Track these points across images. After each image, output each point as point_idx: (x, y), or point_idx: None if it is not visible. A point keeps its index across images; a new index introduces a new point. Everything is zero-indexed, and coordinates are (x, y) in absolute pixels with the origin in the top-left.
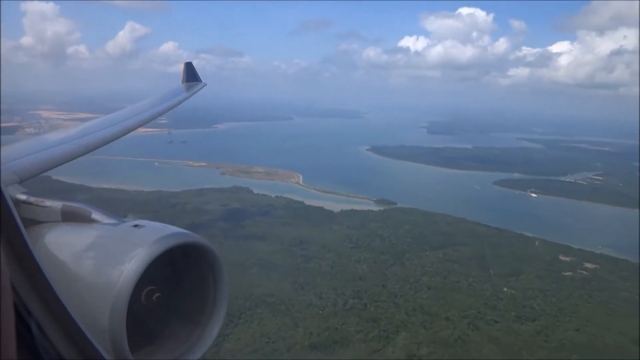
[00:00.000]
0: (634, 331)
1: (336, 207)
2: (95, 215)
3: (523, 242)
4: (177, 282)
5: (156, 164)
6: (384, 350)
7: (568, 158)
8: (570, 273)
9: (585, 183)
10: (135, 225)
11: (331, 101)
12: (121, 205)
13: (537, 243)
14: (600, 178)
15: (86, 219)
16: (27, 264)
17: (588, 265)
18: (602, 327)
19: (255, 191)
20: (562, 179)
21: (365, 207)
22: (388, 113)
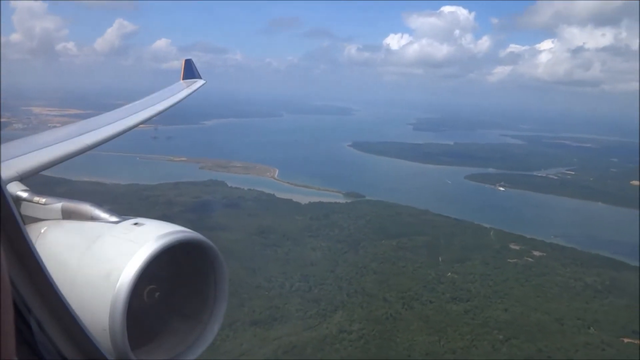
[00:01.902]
0: (559, 311)
1: (305, 199)
2: (96, 212)
3: (478, 232)
4: (178, 279)
5: (138, 158)
6: (319, 326)
7: (546, 154)
8: (516, 260)
9: (556, 177)
10: (136, 223)
11: (325, 97)
12: (97, 197)
13: (492, 233)
14: (573, 173)
15: (87, 217)
16: (27, 261)
17: (535, 253)
18: (530, 307)
19: (229, 184)
20: (535, 173)
21: (332, 200)
22: (380, 109)
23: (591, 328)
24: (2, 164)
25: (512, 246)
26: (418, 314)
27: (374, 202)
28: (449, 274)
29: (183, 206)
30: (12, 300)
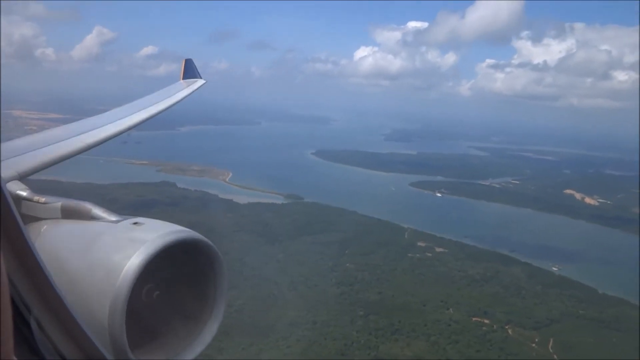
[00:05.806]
0: (427, 295)
1: (245, 200)
2: (96, 212)
3: (395, 231)
4: (177, 279)
5: (101, 161)
6: None
7: (503, 164)
8: (417, 255)
9: (499, 186)
10: (135, 223)
11: (307, 106)
12: (49, 193)
13: (407, 232)
14: (517, 182)
15: (86, 216)
16: (27, 260)
17: (438, 249)
18: (402, 291)
19: (179, 185)
20: (481, 182)
21: (271, 201)
22: (360, 119)
23: (450, 309)
24: (1, 163)
25: (420, 243)
26: (299, 295)
27: (309, 204)
28: (347, 264)
29: (124, 203)
30: (11, 299)
